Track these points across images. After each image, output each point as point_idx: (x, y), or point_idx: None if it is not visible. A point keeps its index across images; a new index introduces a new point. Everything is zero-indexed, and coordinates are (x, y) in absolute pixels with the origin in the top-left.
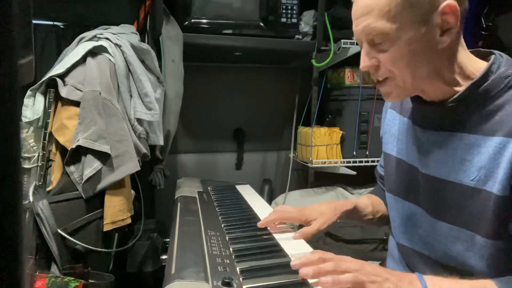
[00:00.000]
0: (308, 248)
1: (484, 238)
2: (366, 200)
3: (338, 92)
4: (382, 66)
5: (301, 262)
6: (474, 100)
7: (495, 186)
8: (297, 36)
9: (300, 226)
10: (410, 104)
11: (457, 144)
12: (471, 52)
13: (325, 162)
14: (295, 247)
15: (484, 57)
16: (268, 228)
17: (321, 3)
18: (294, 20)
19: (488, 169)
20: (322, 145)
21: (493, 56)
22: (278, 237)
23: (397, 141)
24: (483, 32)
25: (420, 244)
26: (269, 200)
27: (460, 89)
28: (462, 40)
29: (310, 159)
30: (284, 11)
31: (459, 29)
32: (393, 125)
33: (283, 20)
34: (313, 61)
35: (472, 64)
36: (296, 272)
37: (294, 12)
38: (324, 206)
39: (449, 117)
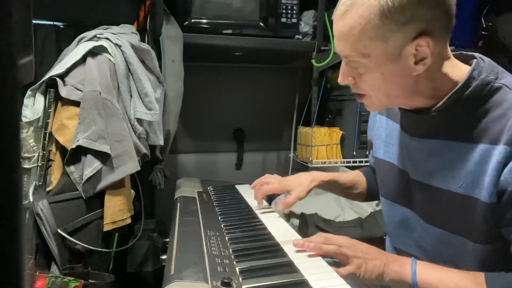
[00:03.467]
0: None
1: (475, 244)
2: (349, 176)
3: (338, 92)
4: (358, 84)
5: (302, 240)
6: (457, 107)
7: (482, 193)
8: (297, 36)
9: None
10: (398, 109)
11: (444, 152)
12: (454, 55)
13: (325, 162)
14: (294, 247)
15: (467, 60)
16: (268, 227)
17: (321, 3)
18: (294, 20)
19: (474, 176)
20: (322, 145)
21: (474, 61)
22: (277, 237)
23: (388, 146)
24: (483, 32)
25: (414, 248)
26: (269, 200)
27: (443, 97)
28: (446, 51)
29: (310, 159)
30: (284, 11)
31: (440, 49)
32: (382, 130)
33: (283, 20)
34: (313, 61)
35: (457, 72)
36: (295, 271)
37: (294, 12)
38: (303, 176)
39: (434, 125)
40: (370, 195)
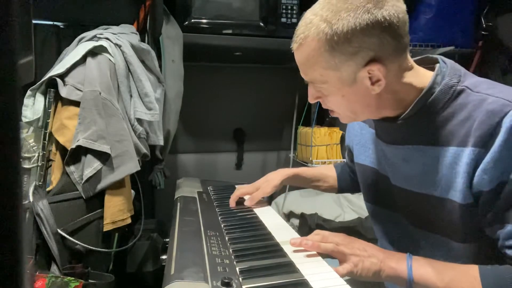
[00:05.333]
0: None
1: (459, 243)
2: (315, 170)
3: None
4: (326, 103)
5: (300, 239)
6: (424, 113)
7: (456, 195)
8: None
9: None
10: None
11: (418, 157)
12: (419, 59)
13: (325, 162)
14: (295, 248)
15: (431, 63)
16: (268, 227)
17: None
18: (294, 20)
19: (447, 178)
20: (322, 145)
21: (437, 66)
22: (277, 237)
23: (368, 151)
24: (483, 32)
25: (405, 251)
26: (269, 200)
27: (410, 105)
28: (406, 64)
29: (310, 159)
30: (284, 11)
31: (400, 62)
32: (362, 135)
33: (283, 20)
34: None
35: (421, 79)
36: (295, 271)
37: (294, 12)
38: (270, 174)
39: (406, 132)
40: (340, 188)
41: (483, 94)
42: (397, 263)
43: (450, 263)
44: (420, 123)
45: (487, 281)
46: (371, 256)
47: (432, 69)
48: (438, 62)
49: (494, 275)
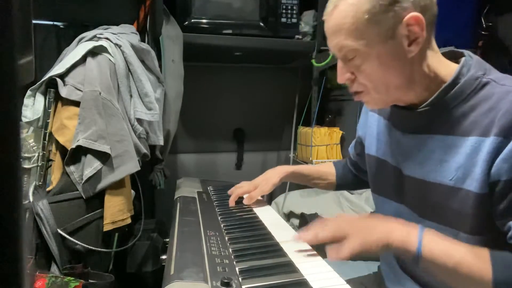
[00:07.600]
0: (308, 247)
1: (467, 235)
2: (315, 167)
3: (338, 92)
4: (357, 79)
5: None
6: (447, 103)
7: (473, 184)
8: (297, 36)
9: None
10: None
11: (435, 146)
12: (444, 53)
13: (325, 162)
14: (294, 247)
15: (457, 57)
16: (268, 227)
17: (321, 3)
18: (294, 20)
19: (465, 168)
20: (322, 145)
21: (463, 58)
22: (277, 236)
23: (380, 143)
24: (483, 32)
25: None
26: (269, 200)
27: (434, 93)
28: (433, 44)
29: (310, 159)
30: (284, 11)
31: (428, 35)
32: (374, 127)
33: (283, 20)
34: (313, 61)
35: (445, 68)
36: (295, 271)
37: (294, 12)
38: (269, 172)
39: (425, 121)
40: (339, 185)
41: (509, 86)
42: (407, 235)
43: (462, 243)
44: (442, 112)
45: (498, 267)
46: (376, 230)
47: (456, 63)
48: (463, 56)
49: (504, 262)
